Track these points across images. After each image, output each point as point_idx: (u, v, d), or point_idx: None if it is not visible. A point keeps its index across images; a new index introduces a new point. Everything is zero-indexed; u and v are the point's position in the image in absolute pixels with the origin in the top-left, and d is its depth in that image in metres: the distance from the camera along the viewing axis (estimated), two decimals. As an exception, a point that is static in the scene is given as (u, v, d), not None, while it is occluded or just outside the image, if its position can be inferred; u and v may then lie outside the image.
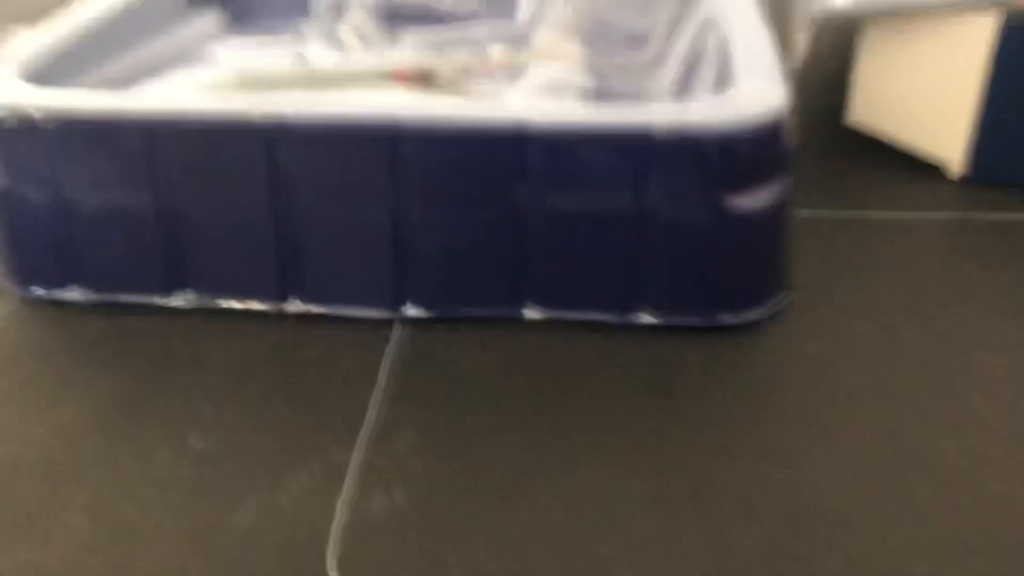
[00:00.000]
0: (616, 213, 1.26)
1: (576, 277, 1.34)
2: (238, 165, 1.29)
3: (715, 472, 1.12)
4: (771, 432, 1.18)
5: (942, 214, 1.66)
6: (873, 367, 1.28)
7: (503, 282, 1.35)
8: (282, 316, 1.40)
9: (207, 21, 1.96)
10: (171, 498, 1.10)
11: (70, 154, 1.33)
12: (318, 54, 1.81)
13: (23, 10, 1.60)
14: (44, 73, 1.45)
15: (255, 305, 1.41)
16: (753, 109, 1.21)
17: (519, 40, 1.94)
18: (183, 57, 1.83)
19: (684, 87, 1.63)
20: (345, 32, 1.96)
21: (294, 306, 1.40)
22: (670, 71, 1.73)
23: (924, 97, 1.77)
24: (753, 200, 1.26)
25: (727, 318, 1.34)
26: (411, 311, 1.38)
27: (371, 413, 1.22)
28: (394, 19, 2.06)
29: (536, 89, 1.55)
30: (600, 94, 1.65)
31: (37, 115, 1.31)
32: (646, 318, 1.35)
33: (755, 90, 1.26)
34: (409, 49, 1.84)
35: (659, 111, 1.23)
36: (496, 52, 1.83)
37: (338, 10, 2.04)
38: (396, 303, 1.38)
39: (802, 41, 1.88)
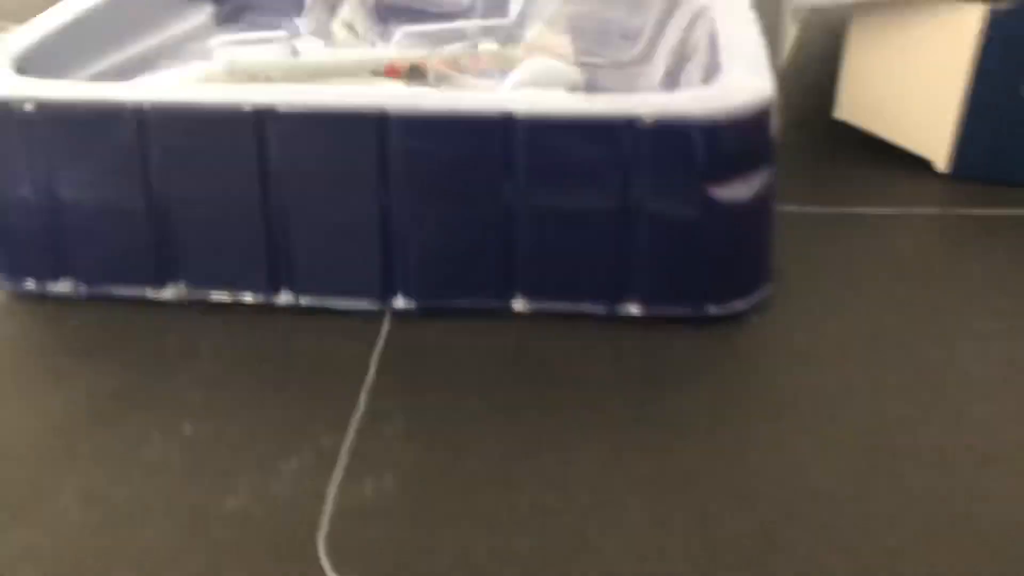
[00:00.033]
0: (603, 203, 1.27)
1: (564, 269, 1.35)
2: (228, 156, 1.30)
3: (703, 458, 1.13)
4: (758, 419, 1.19)
5: (927, 209, 1.67)
6: (859, 356, 1.30)
7: (492, 274, 1.36)
8: (273, 309, 1.41)
9: (201, 16, 1.97)
10: (162, 483, 1.11)
11: (60, 146, 1.34)
12: (310, 49, 1.82)
13: (24, 10, 1.61)
14: (35, 66, 1.45)
15: (246, 298, 1.41)
16: (739, 99, 1.23)
17: (510, 37, 1.95)
18: (177, 52, 1.84)
19: (673, 81, 1.65)
20: (337, 27, 1.98)
21: (285, 299, 1.41)
22: (659, 66, 1.74)
23: (910, 93, 1.78)
24: (738, 190, 1.27)
25: (713, 309, 1.35)
26: (400, 303, 1.39)
27: (361, 401, 1.23)
28: (386, 16, 2.07)
29: (526, 81, 1.56)
30: (590, 88, 1.66)
31: (27, 106, 1.32)
32: (633, 309, 1.36)
33: (741, 80, 1.27)
34: (400, 44, 1.85)
35: (645, 100, 1.24)
36: (487, 48, 1.84)
37: (331, 7, 2.05)
38: (385, 295, 1.39)
39: (791, 35, 1.90)
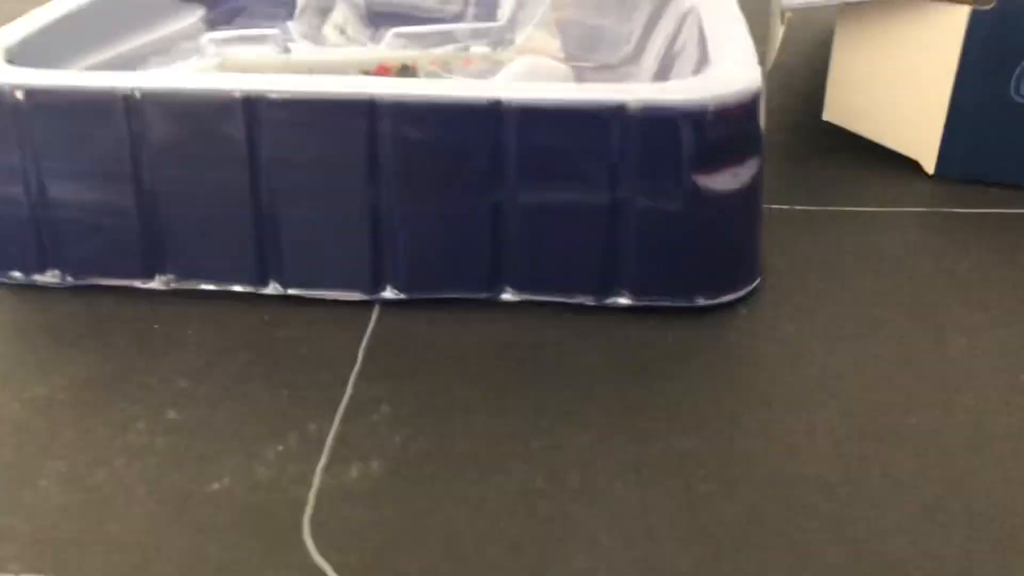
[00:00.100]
0: (592, 192, 1.28)
1: (553, 259, 1.35)
2: (217, 143, 1.30)
3: (692, 443, 1.13)
4: (748, 406, 1.19)
5: (914, 208, 1.69)
6: (848, 346, 1.30)
7: (481, 265, 1.36)
8: (261, 298, 1.40)
9: (194, 16, 1.98)
10: (146, 467, 1.10)
11: (48, 134, 1.34)
12: (301, 49, 1.84)
13: (23, 10, 1.61)
14: (26, 59, 1.45)
15: (234, 288, 1.41)
16: (728, 87, 1.23)
17: (500, 41, 1.97)
18: (169, 51, 1.85)
19: (662, 80, 1.66)
20: (329, 31, 1.99)
21: (273, 289, 1.41)
22: (648, 67, 1.76)
23: (896, 95, 1.80)
24: (726, 180, 1.28)
25: (702, 300, 1.35)
26: (389, 294, 1.39)
27: (349, 389, 1.22)
28: (378, 21, 2.09)
29: (517, 75, 1.57)
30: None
31: (17, 94, 1.32)
32: (623, 300, 1.36)
33: (729, 71, 1.28)
34: (391, 45, 1.86)
35: (634, 89, 1.25)
36: (477, 50, 1.86)
37: (322, 11, 2.07)
38: (375, 286, 1.39)
39: (779, 38, 1.92)
